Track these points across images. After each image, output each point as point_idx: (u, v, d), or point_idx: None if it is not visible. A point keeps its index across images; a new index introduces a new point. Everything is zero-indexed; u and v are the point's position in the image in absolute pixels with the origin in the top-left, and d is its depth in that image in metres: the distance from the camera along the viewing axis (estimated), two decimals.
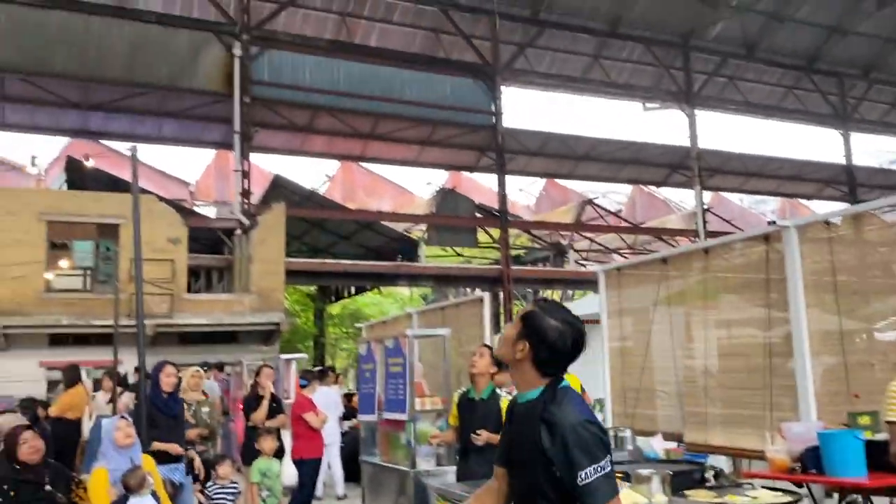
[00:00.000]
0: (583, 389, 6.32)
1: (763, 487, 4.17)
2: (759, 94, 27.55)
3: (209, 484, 6.29)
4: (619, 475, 4.13)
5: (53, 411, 9.31)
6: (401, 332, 6.20)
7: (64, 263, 16.78)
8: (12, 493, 4.26)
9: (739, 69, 26.64)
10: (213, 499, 6.16)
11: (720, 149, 27.43)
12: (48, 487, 4.44)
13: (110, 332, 12.35)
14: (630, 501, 3.57)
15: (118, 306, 11.31)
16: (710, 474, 4.33)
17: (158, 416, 5.94)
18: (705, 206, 27.17)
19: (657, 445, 6.66)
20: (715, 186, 29.46)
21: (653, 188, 31.92)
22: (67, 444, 8.75)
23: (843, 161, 28.98)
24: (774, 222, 6.01)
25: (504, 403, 5.34)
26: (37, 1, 18.07)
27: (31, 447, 4.45)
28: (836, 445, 4.69)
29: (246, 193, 19.77)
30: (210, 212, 26.80)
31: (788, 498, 3.80)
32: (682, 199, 33.98)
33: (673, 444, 6.70)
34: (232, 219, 19.93)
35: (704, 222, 25.51)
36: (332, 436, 9.72)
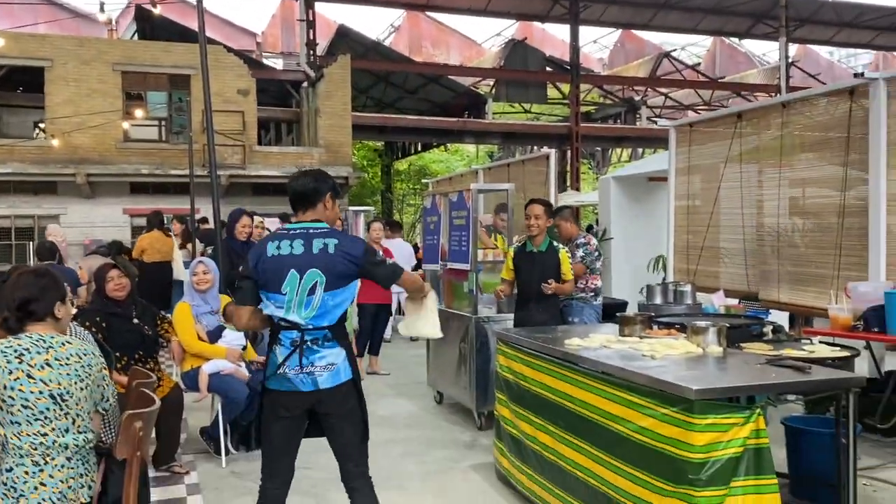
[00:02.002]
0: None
1: (821, 343, 4.20)
2: None
3: None
4: (676, 326, 4.23)
5: (134, 253, 9.87)
6: (465, 186, 6.24)
7: (139, 114, 17.16)
8: (104, 325, 4.64)
9: None
10: None
11: None
12: (136, 321, 4.81)
13: (187, 181, 12.83)
14: (685, 350, 3.66)
15: (192, 156, 11.64)
16: (767, 329, 4.37)
17: (237, 261, 6.23)
18: (790, 60, 25.57)
19: (717, 301, 6.69)
20: (802, 38, 27.52)
21: (735, 40, 30.08)
22: (159, 285, 9.32)
23: None
24: (862, 74, 5.64)
25: (563, 254, 5.47)
26: None
27: (116, 284, 4.78)
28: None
29: (311, 44, 19.55)
30: (277, 63, 26.71)
31: (846, 352, 3.83)
32: (766, 52, 32.07)
33: (734, 301, 6.73)
34: (298, 70, 19.84)
35: (788, 77, 24.11)
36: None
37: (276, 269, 3.03)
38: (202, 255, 8.18)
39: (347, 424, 3.12)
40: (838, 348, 3.96)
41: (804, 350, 3.80)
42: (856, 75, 5.75)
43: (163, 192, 17.51)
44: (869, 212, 5.60)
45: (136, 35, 22.12)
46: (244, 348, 5.23)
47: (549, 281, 5.28)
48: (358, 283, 3.19)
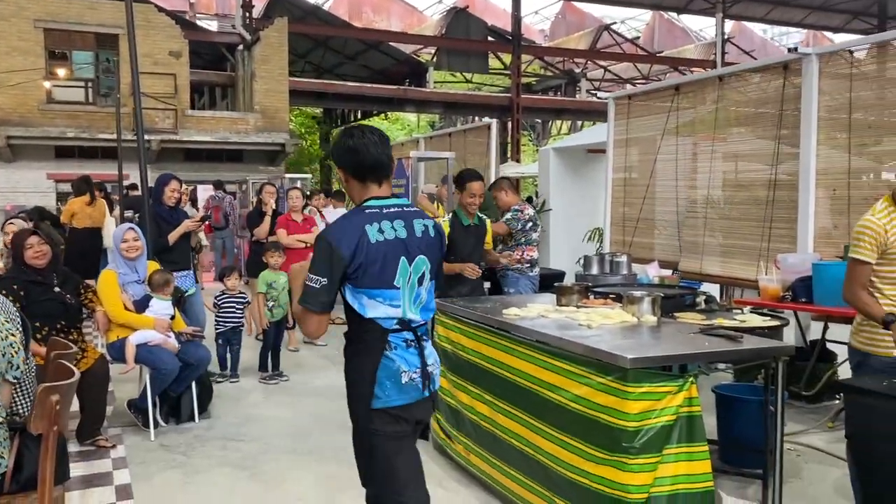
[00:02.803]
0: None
1: (752, 312, 4.29)
2: None
3: (218, 294, 6.50)
4: (612, 296, 4.26)
5: (63, 218, 9.49)
6: (405, 154, 6.14)
7: (63, 73, 16.39)
8: (22, 293, 4.41)
9: None
10: (222, 308, 6.39)
11: None
12: (57, 289, 4.59)
13: (115, 145, 12.34)
14: (620, 320, 3.69)
15: (120, 120, 11.19)
16: (700, 299, 4.44)
17: (164, 226, 6.01)
18: (726, 36, 26.03)
19: (652, 272, 6.79)
20: (738, 14, 28.06)
21: (673, 15, 30.48)
22: (85, 254, 8.98)
23: None
24: (796, 49, 5.74)
25: (489, 225, 5.51)
26: None
27: (35, 251, 4.54)
28: (827, 275, 4.77)
29: (247, 6, 18.97)
30: (212, 25, 25.85)
31: (776, 322, 3.91)
32: (703, 28, 32.60)
33: (668, 272, 6.84)
34: (234, 33, 19.26)
35: (723, 53, 24.56)
36: None
37: (385, 258, 2.46)
38: (130, 221, 7.89)
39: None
40: (769, 318, 4.04)
41: (736, 319, 3.87)
42: (790, 50, 5.86)
43: (90, 157, 16.84)
44: (799, 185, 5.74)
45: None
46: (172, 318, 5.06)
47: (507, 254, 5.38)
48: None
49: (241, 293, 6.51)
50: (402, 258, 2.49)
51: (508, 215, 6.15)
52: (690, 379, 2.93)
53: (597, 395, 3.03)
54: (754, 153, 6.33)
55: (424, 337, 2.60)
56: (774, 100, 6.02)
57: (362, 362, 2.53)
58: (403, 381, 2.50)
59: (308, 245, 7.20)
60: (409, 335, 2.54)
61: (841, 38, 30.73)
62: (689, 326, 3.60)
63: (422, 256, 2.54)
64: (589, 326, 3.57)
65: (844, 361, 4.08)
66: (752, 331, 3.56)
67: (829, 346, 5.52)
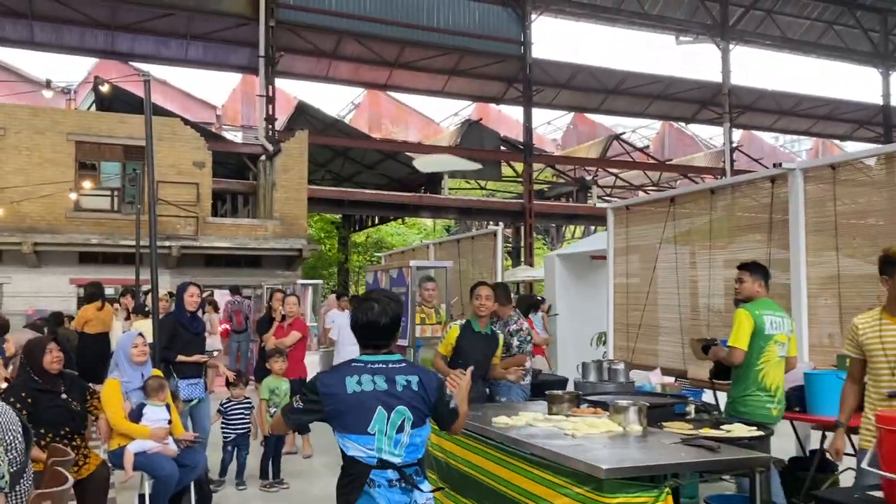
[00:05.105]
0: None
1: (741, 423, 4.32)
2: (797, 29, 26.66)
3: (224, 400, 6.60)
4: (598, 404, 4.32)
5: (77, 324, 9.72)
6: (405, 263, 6.35)
7: (90, 184, 17.08)
8: (30, 401, 4.55)
9: (779, 2, 25.74)
10: (228, 414, 6.48)
11: (752, 85, 26.77)
12: (64, 396, 4.73)
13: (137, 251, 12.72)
14: (606, 429, 3.75)
15: (139, 227, 11.60)
16: (691, 408, 4.49)
17: (182, 333, 6.18)
18: (735, 145, 26.68)
19: (654, 379, 6.82)
20: (745, 124, 28.88)
21: (682, 125, 31.37)
22: (95, 358, 9.14)
23: (880, 101, 28.14)
24: (780, 164, 5.99)
25: (501, 340, 5.61)
26: None
27: (54, 357, 4.72)
28: (819, 385, 4.82)
29: (270, 119, 19.85)
30: (236, 137, 26.97)
31: (760, 432, 3.95)
32: (713, 136, 33.43)
33: (671, 379, 6.86)
34: (256, 144, 20.07)
35: (732, 161, 25.11)
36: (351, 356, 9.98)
37: (360, 407, 2.76)
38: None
39: None
40: (755, 428, 4.07)
41: (721, 430, 3.91)
42: (775, 165, 6.10)
43: (111, 263, 17.27)
44: (791, 295, 5.85)
45: (93, 105, 22.22)
46: (170, 422, 5.15)
47: (514, 368, 5.58)
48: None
49: (246, 398, 6.61)
50: (380, 408, 2.77)
51: (515, 341, 6.13)
52: (665, 489, 2.97)
53: None
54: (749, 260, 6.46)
55: (417, 477, 2.79)
56: (764, 210, 6.21)
57: (348, 494, 2.77)
58: None
59: (289, 347, 7.31)
60: (393, 474, 2.75)
61: (848, 146, 31.40)
62: (672, 436, 3.66)
63: (402, 407, 2.78)
64: (573, 436, 3.64)
65: (846, 470, 4.07)
66: (735, 441, 3.61)
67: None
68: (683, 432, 3.75)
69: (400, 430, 2.77)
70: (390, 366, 2.85)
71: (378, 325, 2.88)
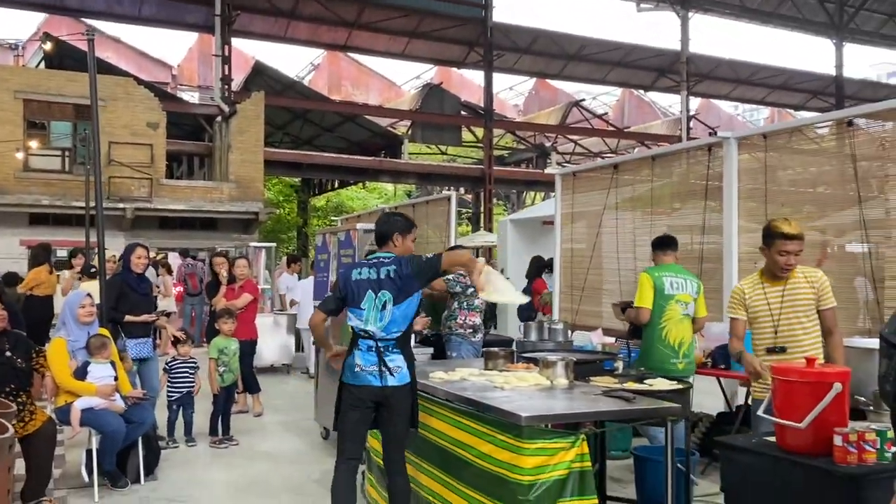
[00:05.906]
0: None
1: (664, 378, 4.55)
2: None
3: (170, 359, 6.68)
4: (532, 360, 4.52)
5: (21, 288, 9.64)
6: (352, 226, 6.47)
7: (38, 143, 16.75)
8: None
9: None
10: (173, 372, 6.56)
11: (711, 54, 27.11)
12: (8, 354, 4.77)
13: (90, 212, 12.60)
14: (534, 382, 3.95)
15: (88, 188, 11.48)
16: (619, 364, 4.71)
17: (130, 293, 6.23)
18: (693, 113, 27.09)
19: (596, 339, 7.09)
20: (703, 92, 29.28)
21: (642, 92, 31.67)
22: (39, 320, 9.12)
23: (833, 72, 28.73)
24: (716, 132, 6.20)
25: None
26: None
27: None
28: (744, 343, 5.06)
29: (226, 79, 19.57)
30: (193, 97, 26.51)
31: (680, 386, 4.17)
32: (672, 104, 33.80)
33: (611, 339, 7.13)
34: (212, 105, 19.81)
35: (689, 128, 25.51)
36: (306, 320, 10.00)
37: (358, 289, 3.79)
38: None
39: (401, 419, 3.75)
40: (675, 381, 4.30)
41: (644, 384, 4.13)
42: (710, 134, 6.31)
43: (64, 224, 17.01)
44: (723, 258, 6.10)
45: (42, 63, 21.64)
46: (116, 378, 5.24)
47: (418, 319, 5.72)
48: (420, 292, 3.84)
49: (192, 358, 6.69)
50: (369, 290, 3.78)
51: (450, 276, 6.36)
52: (581, 436, 3.18)
53: (498, 451, 3.28)
54: (686, 226, 6.71)
55: (388, 348, 3.73)
56: (701, 177, 6.44)
57: (349, 351, 3.84)
58: (355, 370, 3.75)
59: (240, 309, 7.39)
60: (370, 342, 3.74)
61: (802, 115, 32.01)
62: (595, 389, 3.87)
63: (384, 291, 3.75)
64: (502, 388, 3.83)
65: None
66: (654, 394, 3.83)
67: None
68: (608, 385, 3.96)
69: (383, 308, 3.72)
70: (381, 260, 3.83)
71: (376, 231, 4.00)
